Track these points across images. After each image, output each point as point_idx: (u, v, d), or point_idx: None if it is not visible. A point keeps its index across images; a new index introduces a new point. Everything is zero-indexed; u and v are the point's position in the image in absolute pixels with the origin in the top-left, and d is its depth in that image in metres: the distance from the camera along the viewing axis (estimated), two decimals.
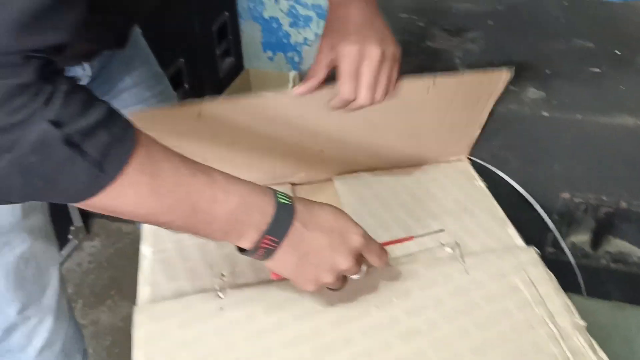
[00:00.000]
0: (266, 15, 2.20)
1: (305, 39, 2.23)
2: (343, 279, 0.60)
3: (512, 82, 0.92)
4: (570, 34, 1.06)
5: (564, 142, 0.86)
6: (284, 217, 0.55)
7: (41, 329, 0.85)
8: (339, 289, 0.61)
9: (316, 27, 2.20)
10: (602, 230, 0.94)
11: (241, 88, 2.11)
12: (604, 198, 0.90)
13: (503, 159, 0.90)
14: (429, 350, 0.60)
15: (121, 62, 0.85)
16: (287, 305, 0.64)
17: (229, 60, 2.12)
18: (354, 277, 0.60)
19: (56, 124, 0.43)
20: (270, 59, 2.28)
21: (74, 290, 1.62)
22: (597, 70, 0.95)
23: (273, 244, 0.54)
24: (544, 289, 0.66)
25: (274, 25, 2.22)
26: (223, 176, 0.53)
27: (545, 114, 0.85)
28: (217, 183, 0.52)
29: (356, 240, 0.58)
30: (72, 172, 0.45)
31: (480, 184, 0.84)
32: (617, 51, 1.00)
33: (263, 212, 0.54)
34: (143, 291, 0.69)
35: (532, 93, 0.89)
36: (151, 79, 0.92)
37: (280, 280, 0.62)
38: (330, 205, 0.59)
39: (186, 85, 1.76)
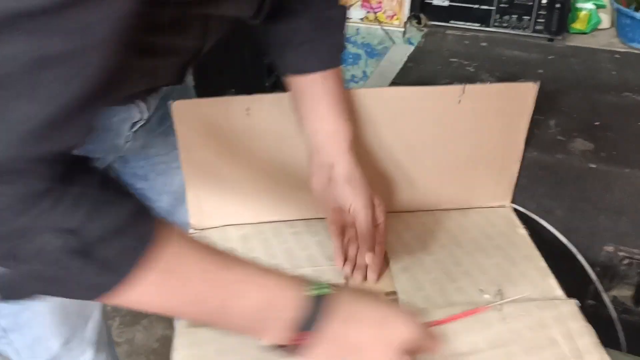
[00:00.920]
0: None
1: (353, 75, 2.27)
2: None
3: (560, 132, 0.92)
4: (621, 87, 1.06)
5: (610, 195, 0.85)
6: (316, 312, 0.50)
7: None
8: None
9: (364, 65, 2.24)
10: None
11: None
12: None
13: (547, 208, 0.90)
14: None
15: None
16: None
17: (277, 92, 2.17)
18: None
19: (64, 231, 0.41)
20: None
21: (112, 308, 1.66)
22: None
23: (305, 340, 0.50)
24: (583, 344, 0.65)
25: None
26: (248, 272, 0.50)
27: (593, 165, 0.85)
28: (241, 279, 0.50)
29: (403, 338, 0.53)
30: (79, 277, 0.43)
31: (522, 231, 0.84)
32: None
33: (290, 308, 0.50)
34: None
35: (580, 144, 0.89)
36: None
37: None
38: (379, 299, 0.57)
39: None
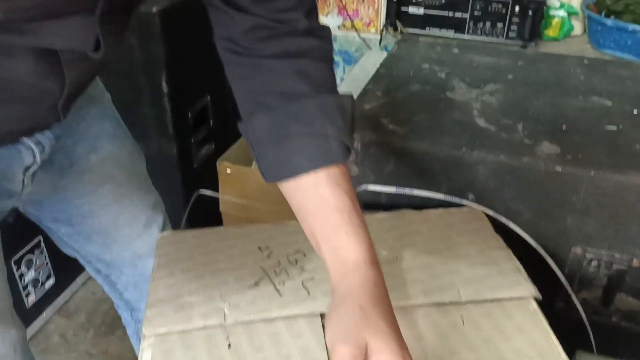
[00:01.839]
0: None
1: None
2: None
3: (527, 136, 0.93)
4: (589, 92, 1.08)
5: (577, 198, 0.86)
6: None
7: None
8: None
9: (342, 72, 2.25)
10: (614, 288, 0.93)
11: None
12: (617, 255, 0.90)
13: (515, 211, 0.90)
14: None
15: (85, 141, 0.82)
16: None
17: None
18: None
19: None
20: None
21: (86, 319, 1.64)
22: (614, 128, 0.95)
23: None
24: None
25: None
26: None
27: (559, 168, 0.86)
28: None
29: None
30: None
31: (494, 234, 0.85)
32: (635, 110, 1.01)
33: None
34: None
35: (547, 147, 0.89)
36: (120, 155, 0.88)
37: None
38: None
39: (211, 122, 1.80)
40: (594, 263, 0.92)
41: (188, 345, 0.65)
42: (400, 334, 0.55)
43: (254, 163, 1.90)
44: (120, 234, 0.90)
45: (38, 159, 0.74)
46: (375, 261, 0.59)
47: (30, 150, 0.73)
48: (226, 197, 1.68)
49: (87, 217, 0.87)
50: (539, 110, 1.01)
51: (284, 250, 0.80)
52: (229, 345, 0.65)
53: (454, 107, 1.02)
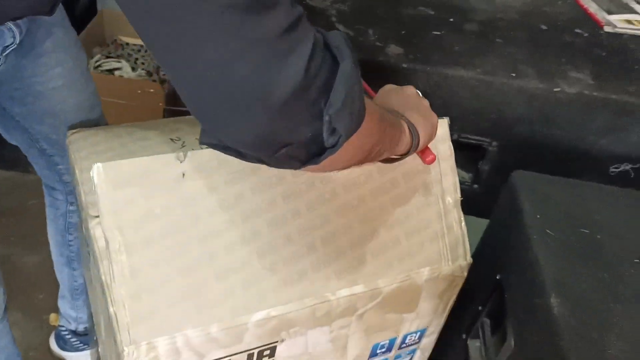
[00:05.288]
0: None
1: None
2: None
3: (378, 39, 1.15)
4: (416, 3, 1.31)
5: (418, 89, 1.11)
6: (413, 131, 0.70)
7: None
8: None
9: None
10: None
11: (96, 31, 2.09)
12: None
13: None
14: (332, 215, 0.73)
15: (43, 26, 0.88)
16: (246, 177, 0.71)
17: (83, 1, 2.08)
18: None
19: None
20: None
21: None
22: (438, 33, 1.21)
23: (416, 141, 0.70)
24: (445, 166, 0.83)
25: None
26: (394, 116, 0.67)
27: (405, 65, 1.09)
28: (395, 121, 0.67)
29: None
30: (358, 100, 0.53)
31: None
32: (451, 19, 1.27)
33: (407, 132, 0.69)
34: None
35: (394, 48, 1.12)
36: (68, 43, 0.95)
37: None
38: None
39: None
40: None
41: None
42: None
43: None
44: (69, 117, 0.96)
45: (17, 40, 0.79)
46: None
47: (11, 32, 0.77)
48: None
49: (38, 97, 0.92)
50: (382, 17, 1.23)
51: (194, 140, 0.92)
52: None
53: (315, 13, 1.19)
